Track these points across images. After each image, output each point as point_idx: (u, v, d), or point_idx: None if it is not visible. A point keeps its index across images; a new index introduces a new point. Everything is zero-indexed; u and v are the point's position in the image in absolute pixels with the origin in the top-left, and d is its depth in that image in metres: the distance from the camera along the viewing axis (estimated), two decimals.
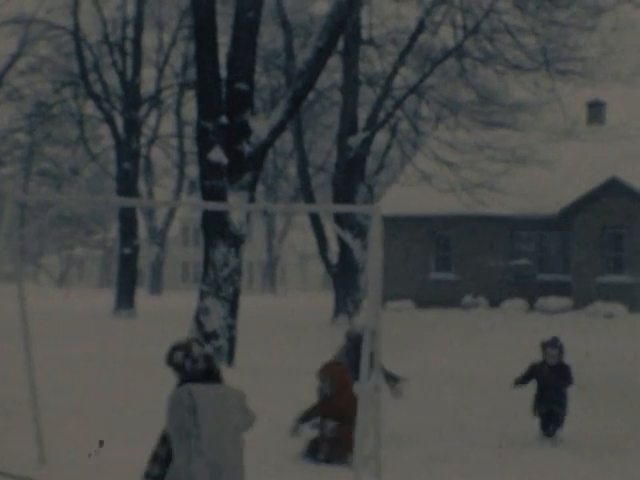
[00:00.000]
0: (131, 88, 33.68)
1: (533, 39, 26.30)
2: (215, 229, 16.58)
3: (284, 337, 22.67)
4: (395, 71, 28.15)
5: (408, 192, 33.22)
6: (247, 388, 6.48)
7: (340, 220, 26.37)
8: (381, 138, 33.49)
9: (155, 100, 39.85)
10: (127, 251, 33.25)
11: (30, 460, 8.43)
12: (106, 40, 33.91)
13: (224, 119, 16.57)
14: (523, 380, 10.43)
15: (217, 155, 16.44)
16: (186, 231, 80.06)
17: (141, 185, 44.99)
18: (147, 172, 51.03)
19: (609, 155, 33.38)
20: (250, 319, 21.92)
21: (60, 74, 36.41)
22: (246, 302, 20.97)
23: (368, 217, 17.10)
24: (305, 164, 31.13)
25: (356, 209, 21.78)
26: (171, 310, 31.84)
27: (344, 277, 28.56)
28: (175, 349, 5.83)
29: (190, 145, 46.79)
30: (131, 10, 34.34)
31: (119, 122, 34.07)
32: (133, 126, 33.64)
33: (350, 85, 28.74)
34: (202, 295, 16.63)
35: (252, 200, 17.16)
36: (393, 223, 33.88)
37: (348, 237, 26.21)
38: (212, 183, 16.47)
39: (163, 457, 5.80)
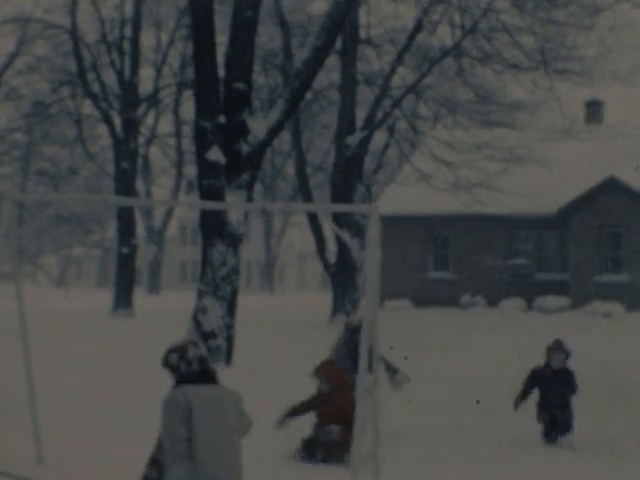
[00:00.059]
0: (129, 88, 33.65)
1: (531, 38, 26.30)
2: (213, 228, 16.57)
3: (282, 336, 22.65)
4: (393, 70, 28.13)
5: (406, 191, 33.20)
6: (245, 387, 6.48)
7: (338, 219, 26.37)
8: (379, 137, 33.46)
9: (153, 100, 39.79)
10: (125, 250, 33.23)
11: (28, 460, 8.43)
12: (104, 39, 33.85)
13: (222, 119, 16.56)
14: (524, 395, 10.16)
15: (215, 154, 16.43)
16: (184, 230, 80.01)
17: (139, 185, 44.91)
18: (145, 172, 51.00)
19: (607, 154, 33.38)
20: (248, 318, 21.90)
21: (58, 73, 36.36)
22: (244, 301, 20.96)
23: (366, 216, 17.09)
24: (303, 163, 31.13)
25: (354, 208, 21.76)
26: (169, 309, 31.84)
27: (342, 276, 28.56)
28: (170, 351, 5.95)
29: (188, 144, 46.74)
30: (129, 9, 34.35)
31: (117, 122, 34.04)
32: (131, 126, 33.62)
33: (348, 84, 28.72)
34: (200, 294, 16.62)
35: (250, 199, 17.15)
36: (391, 222, 33.85)
37: (346, 236, 26.17)
38: (210, 182, 16.45)
39: (160, 461, 5.82)
